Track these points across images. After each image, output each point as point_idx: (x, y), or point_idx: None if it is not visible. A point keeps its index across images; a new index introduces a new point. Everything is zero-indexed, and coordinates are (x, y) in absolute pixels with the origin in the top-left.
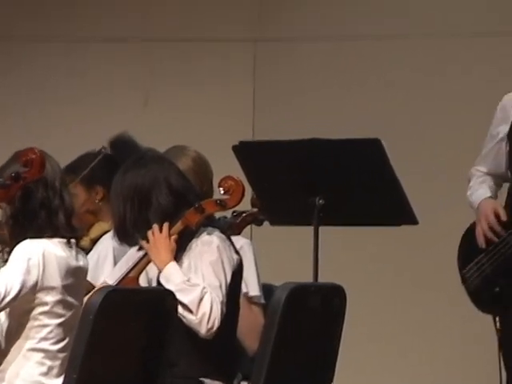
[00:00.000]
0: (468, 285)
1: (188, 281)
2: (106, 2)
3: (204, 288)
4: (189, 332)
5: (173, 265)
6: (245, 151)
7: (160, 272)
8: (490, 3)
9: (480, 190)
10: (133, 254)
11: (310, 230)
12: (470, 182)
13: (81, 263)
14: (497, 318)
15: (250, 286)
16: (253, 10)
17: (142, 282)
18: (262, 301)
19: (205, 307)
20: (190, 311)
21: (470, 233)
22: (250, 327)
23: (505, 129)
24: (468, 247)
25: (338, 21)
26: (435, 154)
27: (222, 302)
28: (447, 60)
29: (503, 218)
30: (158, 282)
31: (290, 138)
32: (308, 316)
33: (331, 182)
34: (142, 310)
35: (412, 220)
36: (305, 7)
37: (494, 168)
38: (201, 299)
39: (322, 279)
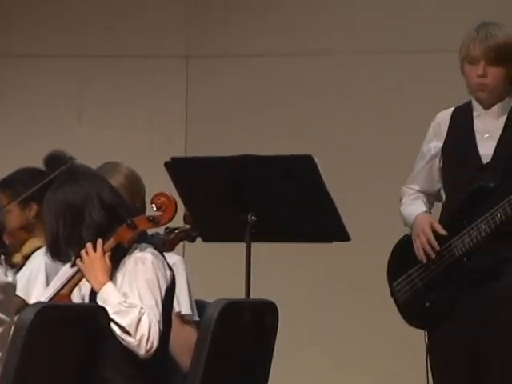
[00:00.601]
0: (398, 298)
1: (125, 302)
2: (40, 19)
3: (142, 309)
4: (124, 349)
5: (109, 286)
6: (177, 167)
7: (93, 290)
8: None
9: (414, 205)
10: (67, 271)
11: (243, 246)
12: (402, 199)
13: (10, 279)
14: (425, 333)
15: (182, 304)
16: (185, 26)
17: (76, 297)
18: (196, 318)
19: (143, 329)
20: (129, 333)
21: (399, 247)
22: (183, 346)
23: (437, 145)
24: (398, 261)
25: (269, 38)
26: (369, 170)
27: (159, 322)
28: (382, 77)
29: (441, 232)
30: (91, 298)
31: (222, 155)
32: (240, 332)
33: (264, 198)
34: (75, 327)
35: (344, 236)
36: (237, 24)
37: (427, 186)
38: (139, 321)
39: (254, 295)
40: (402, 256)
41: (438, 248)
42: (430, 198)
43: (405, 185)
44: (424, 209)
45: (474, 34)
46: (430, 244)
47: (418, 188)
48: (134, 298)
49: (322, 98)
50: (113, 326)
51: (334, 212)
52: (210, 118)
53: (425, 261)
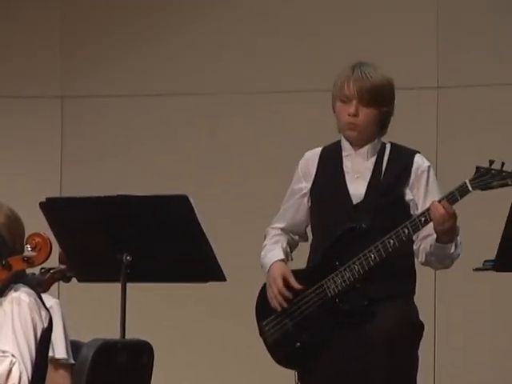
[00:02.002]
0: (267, 337)
1: None
2: None
3: (13, 358)
4: None
5: None
6: (51, 207)
7: None
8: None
9: (273, 252)
10: None
11: (119, 286)
12: (265, 240)
13: None
14: (296, 373)
15: (57, 348)
16: (59, 66)
17: None
18: (71, 361)
19: (13, 379)
20: None
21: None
22: None
23: (306, 185)
24: (266, 300)
25: (140, 78)
26: (245, 209)
27: (29, 370)
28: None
29: (293, 284)
30: None
31: (97, 195)
32: (116, 372)
33: (139, 238)
34: None
35: (219, 277)
36: (109, 65)
37: (294, 224)
38: (9, 371)
39: (130, 335)
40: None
41: (290, 298)
42: (295, 237)
43: (271, 224)
44: (281, 257)
45: (349, 73)
46: (281, 294)
47: (282, 225)
48: (7, 341)
49: (196, 137)
50: None
51: (209, 252)
52: (86, 158)
53: (279, 309)
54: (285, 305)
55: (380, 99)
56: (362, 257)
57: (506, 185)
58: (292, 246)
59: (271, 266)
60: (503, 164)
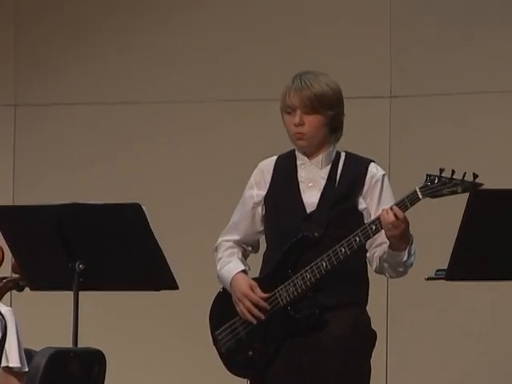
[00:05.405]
0: (220, 346)
1: None
2: None
3: None
4: None
5: None
6: (4, 216)
7: None
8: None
9: (231, 264)
10: None
11: (72, 294)
12: (218, 253)
13: None
14: (247, 381)
15: (11, 356)
16: (10, 74)
17: None
18: (25, 369)
19: None
20: None
21: (222, 295)
22: None
23: (260, 193)
24: (220, 309)
25: (93, 87)
26: (195, 219)
27: None
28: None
29: (260, 294)
30: None
31: (49, 203)
32: (68, 381)
33: (92, 246)
34: None
35: (172, 285)
36: (60, 74)
37: (248, 234)
38: None
39: (82, 344)
40: (224, 305)
41: (268, 308)
42: (248, 248)
43: (221, 237)
44: (241, 267)
45: (290, 84)
46: (257, 306)
47: (237, 237)
48: None
49: (150, 145)
50: None
51: (162, 260)
52: (38, 166)
53: (255, 322)
54: (263, 317)
55: (322, 105)
56: (313, 265)
57: (456, 192)
58: (245, 257)
59: (234, 278)
60: (453, 172)
